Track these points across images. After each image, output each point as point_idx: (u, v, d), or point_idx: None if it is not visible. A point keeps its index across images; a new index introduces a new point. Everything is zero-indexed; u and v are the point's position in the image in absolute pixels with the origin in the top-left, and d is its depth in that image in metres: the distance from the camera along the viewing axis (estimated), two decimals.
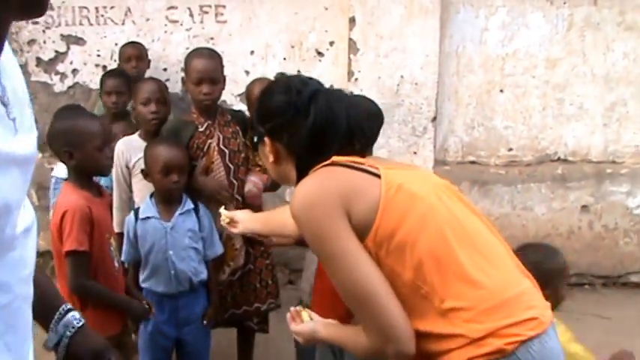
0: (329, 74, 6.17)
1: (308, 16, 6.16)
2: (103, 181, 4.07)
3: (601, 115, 6.59)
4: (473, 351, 2.09)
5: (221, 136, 4.27)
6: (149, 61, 5.77)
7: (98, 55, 6.05)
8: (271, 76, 5.71)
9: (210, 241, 4.12)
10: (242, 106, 5.63)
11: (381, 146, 5.97)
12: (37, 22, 5.92)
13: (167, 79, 5.72)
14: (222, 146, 4.26)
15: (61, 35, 5.99)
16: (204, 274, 4.06)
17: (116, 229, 4.19)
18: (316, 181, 2.24)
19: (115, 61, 5.92)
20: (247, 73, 6.12)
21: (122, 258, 3.95)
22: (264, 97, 2.49)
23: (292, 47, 6.20)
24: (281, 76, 2.63)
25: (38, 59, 6.03)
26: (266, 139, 2.42)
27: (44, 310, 1.70)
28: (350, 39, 6.07)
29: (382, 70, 6.10)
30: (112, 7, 6.00)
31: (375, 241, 2.14)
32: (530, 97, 6.50)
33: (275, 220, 3.06)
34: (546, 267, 3.34)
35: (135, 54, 5.62)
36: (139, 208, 4.04)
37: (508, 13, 6.36)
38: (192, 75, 4.23)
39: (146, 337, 4.03)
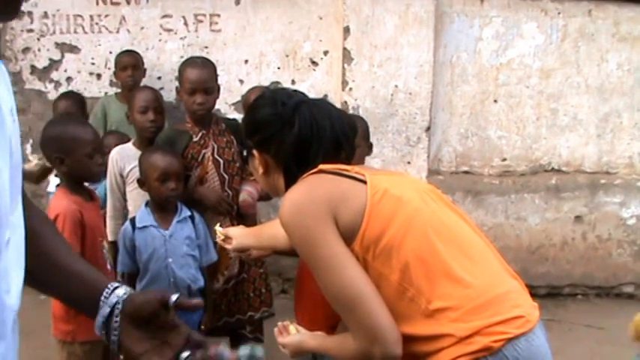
0: (323, 84, 6.19)
1: (302, 25, 6.16)
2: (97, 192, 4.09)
3: (595, 125, 6.61)
4: (460, 349, 2.12)
5: (215, 146, 4.27)
6: (145, 69, 5.77)
7: (92, 64, 6.05)
8: (266, 85, 5.79)
9: (205, 248, 4.14)
10: (236, 115, 5.64)
11: (375, 156, 5.98)
12: (31, 30, 5.92)
13: (161, 88, 5.72)
14: (216, 156, 4.26)
15: (56, 43, 5.98)
16: (201, 281, 4.08)
17: (110, 238, 4.21)
18: (304, 188, 2.28)
19: (110, 69, 5.93)
20: (241, 82, 6.13)
21: (118, 269, 3.98)
22: (251, 110, 2.56)
23: (286, 56, 6.20)
24: (267, 90, 2.67)
25: (32, 67, 6.02)
26: (254, 151, 2.50)
27: (88, 292, 1.66)
28: (344, 48, 6.08)
29: (376, 79, 6.10)
30: (106, 16, 6.00)
31: (362, 245, 2.18)
32: (524, 108, 6.51)
33: (266, 233, 3.07)
34: None
35: (131, 63, 5.62)
36: (134, 218, 4.04)
37: (502, 23, 6.37)
38: (185, 85, 4.22)
39: None
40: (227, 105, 5.99)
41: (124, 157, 4.37)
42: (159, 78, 6.03)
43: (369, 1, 6.01)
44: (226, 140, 4.31)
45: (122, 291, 1.61)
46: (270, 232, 3.05)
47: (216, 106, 4.58)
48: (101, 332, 1.61)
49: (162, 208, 4.02)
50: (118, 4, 6.01)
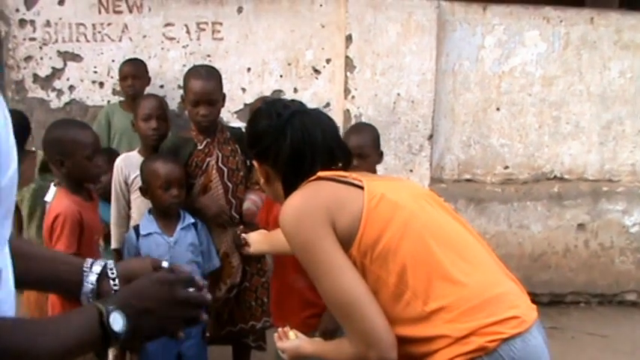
0: (325, 92, 6.19)
1: (304, 33, 6.16)
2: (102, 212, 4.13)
3: (597, 133, 6.61)
4: (456, 350, 2.15)
5: (220, 155, 4.25)
6: (149, 78, 5.76)
7: (95, 72, 6.04)
8: (268, 94, 5.80)
9: (208, 255, 4.15)
10: (239, 123, 5.65)
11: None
12: (34, 39, 5.92)
13: (164, 96, 5.68)
14: (220, 164, 4.24)
15: (58, 52, 5.98)
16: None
17: (114, 245, 4.23)
18: (303, 195, 2.33)
19: (112, 77, 5.93)
20: (244, 90, 6.13)
21: None
22: (250, 123, 2.65)
23: (289, 64, 6.20)
24: (265, 103, 2.76)
25: (35, 75, 6.02)
26: (255, 162, 2.60)
27: (66, 269, 1.71)
28: (346, 56, 6.09)
29: (379, 87, 6.11)
30: (108, 24, 6.00)
31: (360, 250, 2.23)
32: (526, 115, 6.51)
33: (280, 240, 3.12)
34: None
35: (131, 72, 5.61)
36: (138, 225, 4.04)
37: (504, 31, 6.37)
38: (189, 96, 4.19)
39: (150, 355, 4.03)
40: (229, 113, 5.99)
41: (129, 165, 4.36)
42: (161, 86, 6.03)
43: (372, 9, 6.02)
44: (231, 149, 4.29)
45: (102, 262, 1.73)
46: (282, 239, 3.10)
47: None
48: (88, 298, 1.70)
49: (165, 215, 4.02)
50: (120, 12, 6.01)
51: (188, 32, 6.08)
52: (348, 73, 6.10)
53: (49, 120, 5.57)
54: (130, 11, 6.01)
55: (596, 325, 6.07)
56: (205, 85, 4.18)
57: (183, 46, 6.08)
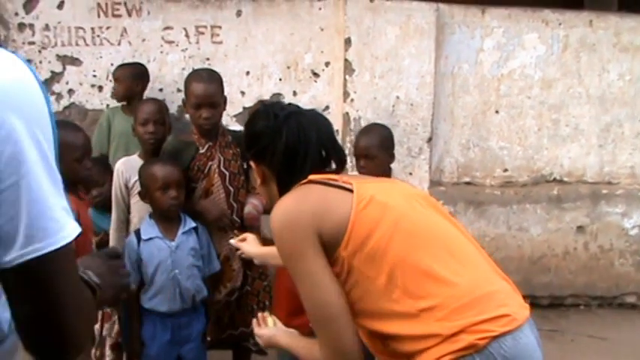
0: (324, 95, 6.19)
1: (304, 36, 6.17)
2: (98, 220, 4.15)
3: (596, 135, 6.62)
4: (446, 348, 2.17)
5: (222, 158, 4.25)
6: (142, 81, 5.72)
7: (94, 76, 6.04)
8: (267, 97, 5.81)
9: (208, 258, 4.16)
10: (238, 127, 5.64)
11: None
12: (33, 43, 5.92)
13: (163, 100, 5.69)
14: (222, 168, 4.24)
15: (57, 55, 5.98)
16: (205, 291, 4.10)
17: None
18: (292, 201, 2.37)
19: (111, 81, 5.91)
20: (243, 93, 6.13)
21: None
22: (248, 124, 2.70)
23: (288, 68, 6.20)
24: (262, 105, 2.81)
25: None
26: (252, 163, 2.65)
27: None
28: (345, 60, 6.09)
29: (378, 90, 6.11)
30: (107, 28, 6.00)
31: (348, 250, 2.26)
32: (525, 118, 6.51)
33: (271, 252, 3.16)
34: None
35: (120, 76, 5.62)
36: (139, 230, 4.04)
37: (503, 34, 6.38)
38: (191, 99, 4.19)
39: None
40: (229, 117, 5.98)
41: (129, 169, 4.36)
42: (160, 90, 6.02)
43: (370, 12, 6.02)
44: (232, 153, 4.29)
45: None
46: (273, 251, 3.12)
47: None
48: None
49: (166, 218, 4.03)
50: (119, 16, 6.01)
51: (187, 36, 6.08)
52: (347, 76, 6.10)
53: None
54: (129, 15, 6.01)
55: (595, 327, 6.07)
56: (207, 88, 4.18)
57: (183, 50, 6.08)
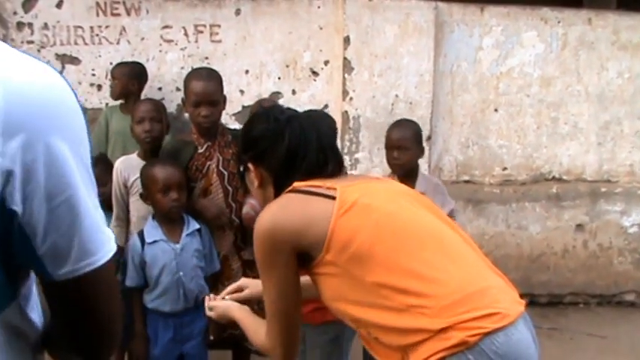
0: (323, 93, 6.19)
1: (302, 35, 6.16)
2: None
3: (595, 134, 6.62)
4: (438, 345, 2.19)
5: (221, 158, 4.24)
6: (139, 80, 5.70)
7: (93, 75, 6.04)
8: (266, 96, 5.80)
9: (209, 258, 4.16)
10: (237, 125, 5.63)
11: (376, 165, 6.00)
12: (32, 42, 5.92)
13: (162, 99, 5.71)
14: (221, 168, 4.23)
15: (56, 54, 5.97)
16: (207, 291, 4.08)
17: None
18: (273, 215, 2.43)
19: (110, 80, 5.91)
20: (242, 92, 6.12)
21: (127, 283, 4.00)
22: (246, 127, 2.75)
23: (287, 66, 6.19)
24: (261, 108, 2.94)
25: None
26: (250, 165, 2.66)
27: None
28: (344, 58, 6.09)
29: (377, 89, 6.11)
30: (106, 27, 5.99)
31: (331, 255, 2.33)
32: (524, 116, 6.51)
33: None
34: None
35: (117, 74, 5.62)
36: (142, 232, 4.03)
37: (502, 32, 6.38)
38: (190, 97, 4.18)
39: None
40: (228, 115, 5.97)
41: (128, 168, 4.36)
42: (159, 89, 6.02)
43: (369, 10, 6.02)
44: (232, 152, 4.27)
45: None
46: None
47: None
48: None
49: (169, 220, 4.03)
50: (118, 15, 6.00)
51: (186, 34, 6.07)
52: (346, 75, 6.10)
53: None
54: (128, 14, 6.01)
55: (594, 325, 6.08)
56: (206, 86, 4.18)
57: (182, 49, 6.08)
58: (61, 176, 1.24)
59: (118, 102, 5.74)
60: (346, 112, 6.10)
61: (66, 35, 5.97)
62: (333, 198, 2.37)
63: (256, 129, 2.63)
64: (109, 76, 5.87)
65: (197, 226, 4.08)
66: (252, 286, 3.25)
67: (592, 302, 6.63)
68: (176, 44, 6.07)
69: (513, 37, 6.41)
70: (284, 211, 2.42)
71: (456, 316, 2.19)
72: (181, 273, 3.96)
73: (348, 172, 4.88)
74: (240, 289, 3.14)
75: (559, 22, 6.43)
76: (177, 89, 5.77)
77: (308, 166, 2.52)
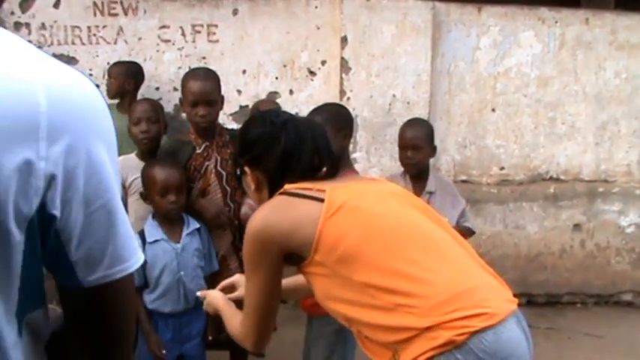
0: (321, 93, 6.18)
1: (300, 35, 6.16)
2: None
3: (593, 133, 6.62)
4: (425, 345, 2.21)
5: (219, 158, 4.23)
6: (135, 80, 5.68)
7: (90, 74, 6.02)
8: (263, 95, 5.79)
9: (209, 257, 4.16)
10: (234, 125, 5.63)
11: (374, 165, 6.01)
12: (29, 42, 5.88)
13: (159, 98, 5.70)
14: (219, 168, 4.22)
15: (54, 54, 5.93)
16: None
17: None
18: (264, 218, 2.47)
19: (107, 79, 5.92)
20: (239, 92, 6.12)
21: None
22: (243, 131, 2.80)
23: (284, 66, 6.19)
24: (257, 112, 3.00)
25: None
26: (247, 169, 2.70)
27: None
28: (342, 58, 6.09)
29: (374, 89, 6.11)
30: (104, 27, 5.99)
31: (319, 255, 2.37)
32: (522, 116, 6.52)
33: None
34: None
35: (112, 73, 5.61)
36: (143, 232, 4.02)
37: (500, 32, 6.38)
38: (187, 97, 4.17)
39: None
40: (225, 115, 5.97)
41: (126, 168, 4.35)
42: (157, 89, 6.02)
43: (367, 10, 6.02)
44: (230, 152, 4.26)
45: None
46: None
47: None
48: None
49: (168, 220, 4.02)
50: (115, 15, 6.00)
51: (183, 34, 6.07)
52: (344, 75, 6.10)
53: None
54: (125, 14, 6.01)
55: (592, 325, 6.08)
56: (204, 86, 4.17)
57: (179, 49, 6.07)
58: (99, 182, 1.25)
59: (112, 100, 5.74)
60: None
61: (63, 35, 5.97)
62: (322, 200, 2.40)
63: (252, 133, 2.67)
64: (107, 76, 5.86)
65: (197, 225, 4.08)
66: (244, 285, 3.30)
67: (589, 302, 6.64)
68: (173, 44, 6.07)
69: (511, 37, 6.41)
70: (274, 214, 2.46)
71: (444, 315, 2.20)
72: (182, 273, 3.95)
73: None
74: (233, 285, 3.16)
75: (556, 22, 6.44)
76: (175, 89, 5.77)
77: (303, 168, 2.55)
